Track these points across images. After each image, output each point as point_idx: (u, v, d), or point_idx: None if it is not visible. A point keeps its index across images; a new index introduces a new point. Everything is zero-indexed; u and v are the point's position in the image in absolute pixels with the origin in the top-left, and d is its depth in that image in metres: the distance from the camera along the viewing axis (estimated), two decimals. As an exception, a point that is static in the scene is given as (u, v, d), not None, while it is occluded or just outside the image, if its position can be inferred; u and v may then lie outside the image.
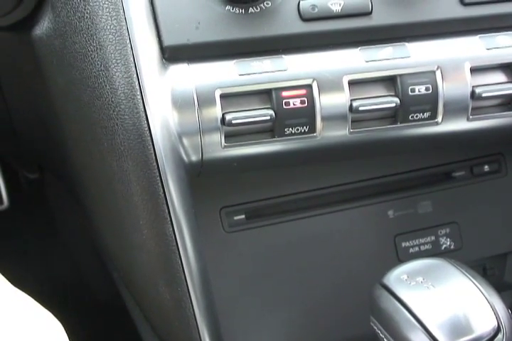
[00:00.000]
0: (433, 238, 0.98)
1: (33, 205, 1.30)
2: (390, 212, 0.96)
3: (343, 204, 0.94)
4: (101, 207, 0.83)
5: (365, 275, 0.92)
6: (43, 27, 0.77)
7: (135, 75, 0.70)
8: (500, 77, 0.79)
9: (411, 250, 0.97)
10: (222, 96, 0.72)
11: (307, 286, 0.93)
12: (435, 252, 0.98)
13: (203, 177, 0.80)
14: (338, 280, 0.94)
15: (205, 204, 0.87)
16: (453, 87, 0.77)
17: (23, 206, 1.29)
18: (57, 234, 1.25)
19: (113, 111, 0.71)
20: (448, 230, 0.98)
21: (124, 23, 0.70)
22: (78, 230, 1.17)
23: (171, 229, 0.74)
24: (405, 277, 0.71)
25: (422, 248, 0.97)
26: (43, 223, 1.28)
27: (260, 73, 0.73)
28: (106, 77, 0.70)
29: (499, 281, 1.02)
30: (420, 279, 0.70)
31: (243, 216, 0.91)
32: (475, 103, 0.78)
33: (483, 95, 0.77)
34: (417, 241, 0.97)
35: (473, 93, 0.77)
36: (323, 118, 0.74)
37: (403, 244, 0.97)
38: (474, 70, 0.77)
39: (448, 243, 0.99)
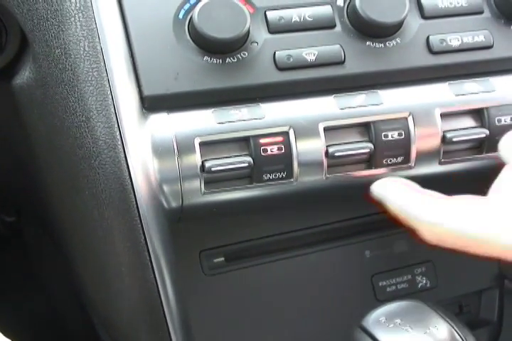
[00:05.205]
0: (409, 277, 0.99)
1: (9, 248, 1.29)
2: (367, 252, 0.97)
3: (321, 245, 0.95)
4: (81, 253, 0.83)
5: (344, 316, 0.93)
6: (23, 76, 0.78)
7: (116, 125, 0.71)
8: (469, 122, 0.81)
9: (388, 289, 0.98)
10: (202, 144, 0.73)
11: (287, 328, 0.93)
12: (412, 291, 0.99)
13: (181, 221, 0.81)
14: (318, 322, 0.94)
15: (184, 247, 0.87)
16: (424, 132, 0.79)
17: (0, 249, 1.28)
18: (35, 278, 1.24)
19: (94, 161, 0.72)
20: (424, 269, 1.00)
21: (104, 75, 0.72)
22: (57, 274, 1.16)
23: (153, 275, 0.74)
24: (383, 319, 0.72)
25: (399, 286, 0.99)
26: (20, 266, 1.27)
27: (238, 121, 0.74)
28: (87, 128, 0.71)
29: (475, 318, 1.04)
30: (398, 321, 0.71)
31: (223, 258, 0.91)
32: (446, 147, 0.80)
33: (454, 140, 0.80)
34: (393, 280, 0.99)
35: (444, 138, 0.79)
36: (299, 164, 0.76)
37: (380, 283, 0.98)
38: (444, 116, 0.80)
39: (424, 281, 1.00)
